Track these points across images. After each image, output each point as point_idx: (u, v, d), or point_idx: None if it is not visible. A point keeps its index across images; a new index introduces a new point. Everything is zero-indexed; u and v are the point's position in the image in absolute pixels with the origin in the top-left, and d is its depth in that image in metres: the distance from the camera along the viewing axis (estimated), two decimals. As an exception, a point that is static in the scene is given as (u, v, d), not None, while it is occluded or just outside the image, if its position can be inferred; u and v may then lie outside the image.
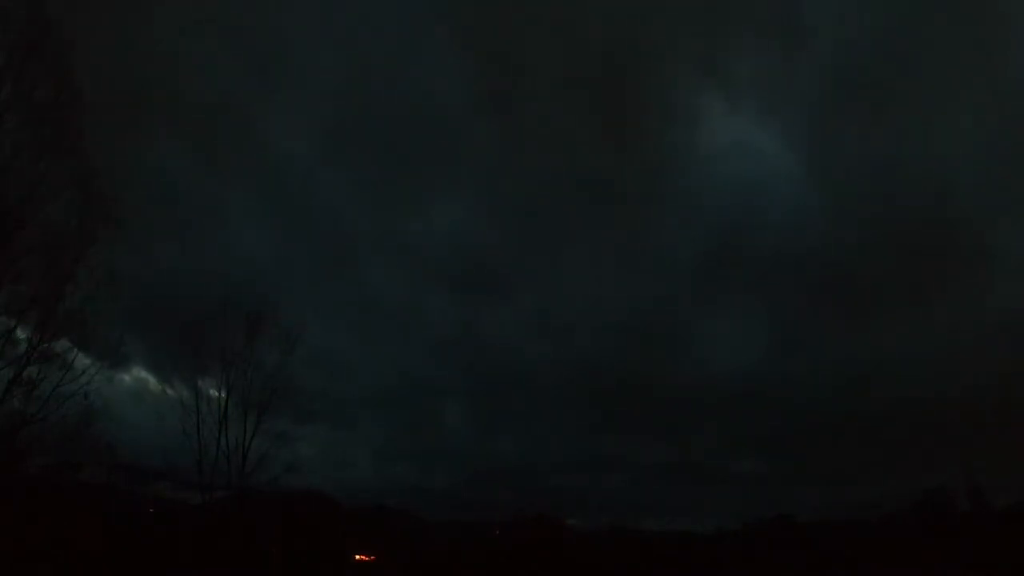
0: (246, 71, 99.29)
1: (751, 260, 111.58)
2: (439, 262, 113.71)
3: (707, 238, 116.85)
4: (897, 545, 51.77)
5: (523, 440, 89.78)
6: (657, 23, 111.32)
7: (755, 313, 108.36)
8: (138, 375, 33.40)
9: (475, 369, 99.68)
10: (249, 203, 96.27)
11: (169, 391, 30.81)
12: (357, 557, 53.46)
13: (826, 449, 76.41)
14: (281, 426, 32.06)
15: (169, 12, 63.56)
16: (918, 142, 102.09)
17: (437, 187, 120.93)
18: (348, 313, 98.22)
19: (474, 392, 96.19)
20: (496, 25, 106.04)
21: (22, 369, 17.09)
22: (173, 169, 68.60)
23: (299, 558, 40.12)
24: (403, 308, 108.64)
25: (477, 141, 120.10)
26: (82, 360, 18.52)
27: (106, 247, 18.13)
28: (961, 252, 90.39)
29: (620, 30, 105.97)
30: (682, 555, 58.59)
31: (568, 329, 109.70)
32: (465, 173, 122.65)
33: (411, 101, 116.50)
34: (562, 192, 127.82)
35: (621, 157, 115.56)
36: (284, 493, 35.73)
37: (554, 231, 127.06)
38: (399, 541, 58.74)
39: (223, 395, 31.45)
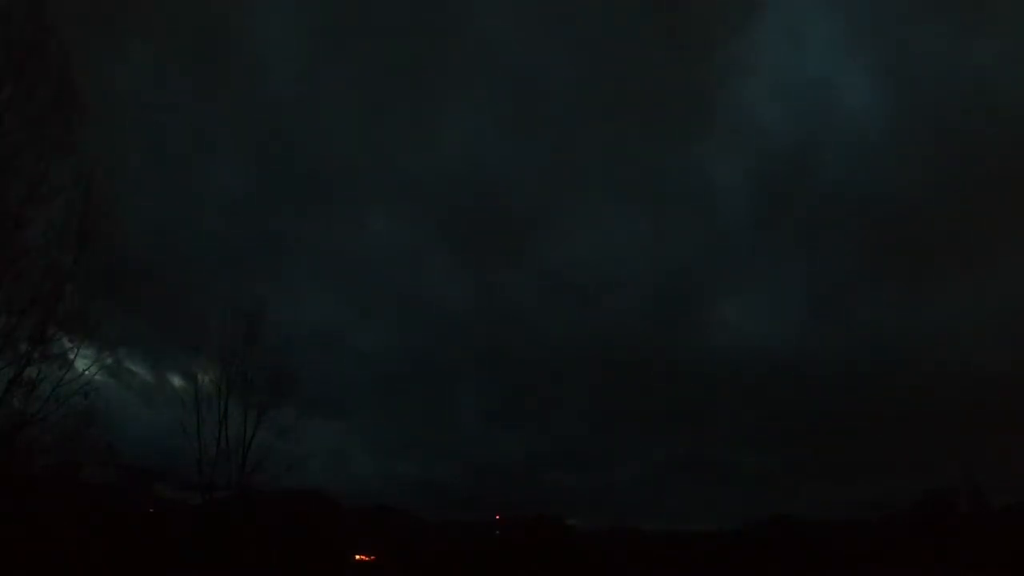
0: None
1: (802, 203, 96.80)
2: (446, 207, 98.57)
3: (754, 173, 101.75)
4: (897, 545, 51.78)
5: (527, 433, 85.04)
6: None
7: (798, 274, 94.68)
8: (138, 374, 33.37)
9: (481, 348, 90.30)
10: (228, 132, 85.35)
11: (169, 390, 30.89)
12: (357, 557, 53.46)
13: (830, 446, 72.71)
14: (282, 421, 32.04)
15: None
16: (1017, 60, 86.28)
17: (446, 104, 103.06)
18: (342, 277, 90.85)
19: (478, 378, 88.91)
20: None
21: (22, 369, 17.08)
22: (143, 90, 61.32)
23: (299, 558, 40.11)
24: (404, 270, 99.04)
25: (494, 41, 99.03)
26: (82, 360, 18.55)
27: (106, 246, 18.16)
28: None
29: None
30: (682, 555, 58.55)
31: (585, 297, 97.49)
32: (480, 83, 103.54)
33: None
34: (594, 110, 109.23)
35: (666, 66, 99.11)
36: (284, 493, 35.74)
37: (581, 163, 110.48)
38: (399, 541, 58.70)
39: (223, 394, 31.47)
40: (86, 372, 18.50)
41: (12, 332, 16.85)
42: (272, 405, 31.70)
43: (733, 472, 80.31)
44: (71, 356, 18.25)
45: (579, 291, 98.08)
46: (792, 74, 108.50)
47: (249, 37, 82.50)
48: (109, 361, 19.61)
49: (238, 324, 32.00)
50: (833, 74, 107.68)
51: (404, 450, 78.21)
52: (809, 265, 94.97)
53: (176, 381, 31.35)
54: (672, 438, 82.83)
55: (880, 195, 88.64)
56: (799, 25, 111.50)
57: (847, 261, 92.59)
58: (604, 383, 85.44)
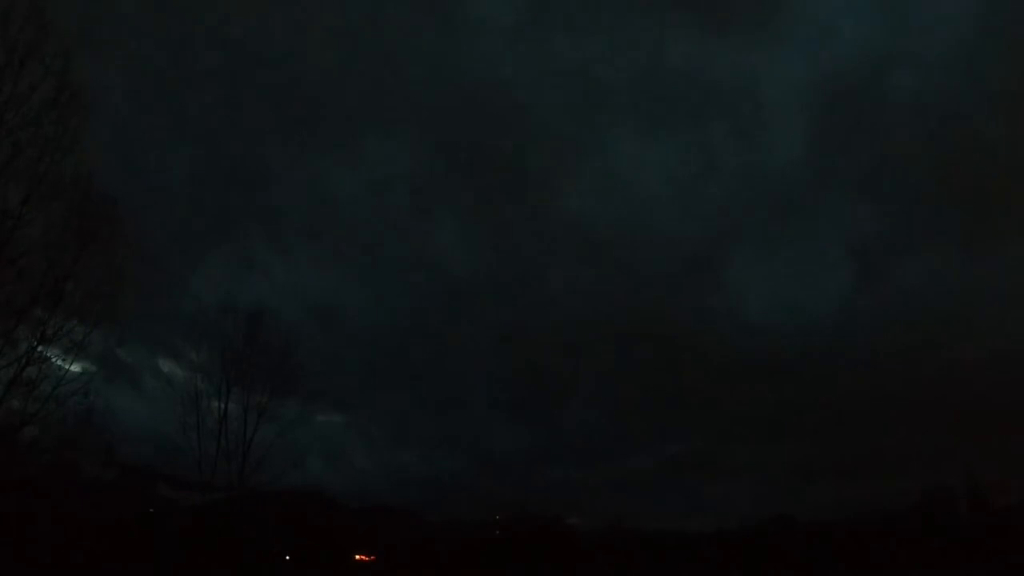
0: None
1: (867, 137, 79.50)
2: (451, 141, 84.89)
3: (815, 93, 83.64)
4: (897, 545, 51.75)
5: (533, 426, 77.70)
6: None
7: (849, 229, 78.99)
8: (138, 374, 33.44)
9: (486, 322, 79.15)
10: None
11: (169, 390, 30.93)
12: (357, 557, 53.42)
13: (832, 445, 68.28)
14: (283, 417, 32.11)
15: None
16: None
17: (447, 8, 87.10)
18: (329, 232, 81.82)
19: (477, 370, 78.13)
20: None
21: (22, 369, 17.09)
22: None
23: (299, 558, 40.11)
24: (403, 221, 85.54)
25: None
26: (82, 360, 18.55)
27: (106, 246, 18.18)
28: None
29: None
30: (682, 555, 58.55)
31: (607, 258, 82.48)
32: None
33: None
34: (634, 14, 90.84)
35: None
36: (284, 492, 35.76)
37: (615, 81, 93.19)
38: (399, 541, 58.71)
39: (223, 394, 31.52)
40: (86, 372, 18.55)
41: (12, 332, 16.86)
42: (272, 405, 31.83)
43: (735, 471, 79.03)
44: (71, 356, 18.28)
45: (601, 251, 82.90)
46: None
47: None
48: (109, 362, 19.68)
49: (239, 323, 32.16)
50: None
51: (404, 445, 73.90)
52: (866, 215, 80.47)
53: (176, 381, 31.41)
54: (676, 435, 77.52)
55: (960, 124, 70.42)
56: None
57: (908, 213, 77.46)
58: (618, 367, 75.57)
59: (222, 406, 31.16)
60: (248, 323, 32.34)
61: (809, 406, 69.48)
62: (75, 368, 18.28)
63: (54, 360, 17.77)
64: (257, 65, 77.94)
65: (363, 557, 54.37)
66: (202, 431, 30.42)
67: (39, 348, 17.31)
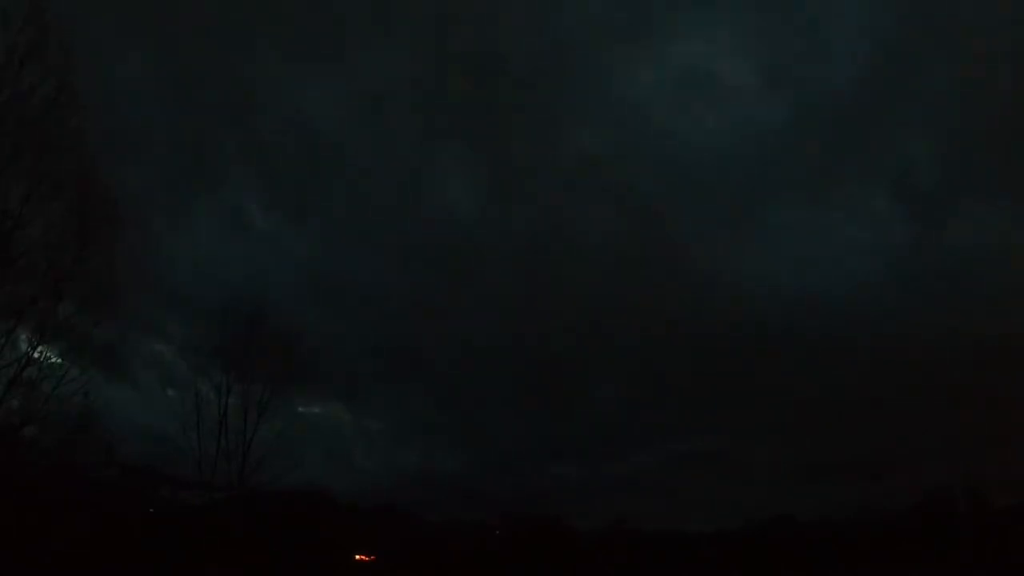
0: None
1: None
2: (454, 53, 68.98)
3: None
4: (897, 545, 51.75)
5: (533, 423, 70.68)
6: None
7: (907, 172, 66.72)
8: (138, 374, 33.45)
9: (487, 293, 69.69)
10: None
11: (169, 390, 30.95)
12: (357, 557, 53.40)
13: (836, 443, 64.37)
14: (283, 419, 32.14)
15: None
16: None
17: None
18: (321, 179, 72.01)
19: (484, 349, 69.47)
20: None
21: (22, 369, 17.12)
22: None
23: (299, 558, 40.09)
24: (403, 166, 74.40)
25: None
26: (82, 360, 18.55)
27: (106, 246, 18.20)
28: None
29: None
30: (683, 556, 58.53)
31: (629, 207, 70.57)
32: None
33: None
34: None
35: None
36: (283, 492, 35.80)
37: None
38: (399, 541, 58.68)
39: (224, 394, 31.56)
40: (86, 372, 18.56)
41: (12, 332, 16.89)
42: (272, 403, 31.88)
43: (736, 471, 78.41)
44: (70, 356, 18.29)
45: (621, 195, 71.76)
46: None
47: None
48: (109, 362, 19.70)
49: (239, 320, 32.18)
50: None
51: (405, 444, 71.85)
52: (933, 148, 66.48)
53: (176, 379, 31.45)
54: (677, 434, 75.49)
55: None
56: None
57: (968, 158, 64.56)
58: (620, 361, 68.48)
59: (223, 402, 31.24)
60: (249, 321, 32.38)
61: (809, 405, 67.92)
62: (74, 368, 18.30)
63: (54, 360, 17.80)
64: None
65: (363, 557, 54.31)
66: (202, 431, 30.49)
67: (39, 348, 17.35)
